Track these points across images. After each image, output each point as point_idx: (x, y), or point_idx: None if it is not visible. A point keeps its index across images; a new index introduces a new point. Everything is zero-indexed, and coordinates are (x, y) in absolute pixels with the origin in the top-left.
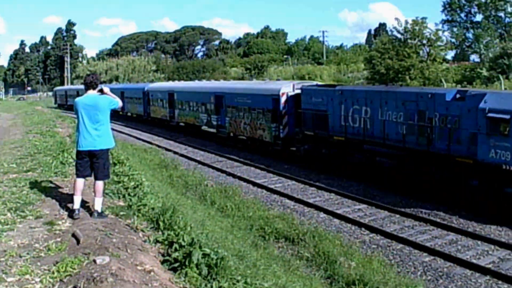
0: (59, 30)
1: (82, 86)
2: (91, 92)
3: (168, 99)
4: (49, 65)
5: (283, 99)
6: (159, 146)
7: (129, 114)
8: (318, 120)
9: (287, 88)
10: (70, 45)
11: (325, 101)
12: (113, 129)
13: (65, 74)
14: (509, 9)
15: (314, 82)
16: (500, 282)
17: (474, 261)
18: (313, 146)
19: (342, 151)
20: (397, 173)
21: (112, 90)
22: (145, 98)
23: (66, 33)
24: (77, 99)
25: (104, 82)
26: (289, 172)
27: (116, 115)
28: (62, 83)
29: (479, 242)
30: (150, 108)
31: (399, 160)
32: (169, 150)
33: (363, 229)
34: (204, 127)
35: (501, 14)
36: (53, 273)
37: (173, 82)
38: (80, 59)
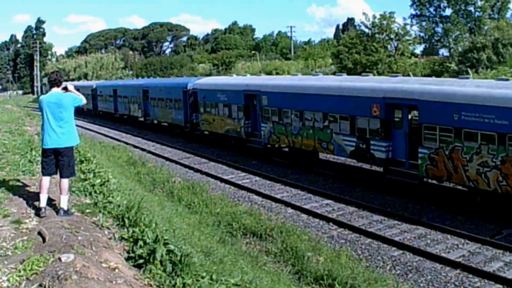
0: (28, 28)
1: (78, 82)
2: (55, 89)
3: (244, 104)
4: (19, 63)
5: None
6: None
7: (155, 121)
8: None
9: None
10: (40, 43)
11: None
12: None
13: (35, 72)
14: (479, 3)
15: None
16: (470, 275)
17: (444, 255)
18: None
19: None
20: None
21: (129, 86)
22: (189, 100)
23: (36, 31)
24: (41, 97)
25: (73, 79)
26: (256, 168)
27: (136, 124)
28: (32, 81)
29: (448, 236)
30: (201, 116)
31: None
32: None
33: (331, 224)
34: (338, 157)
35: (471, 8)
36: (19, 271)
37: (257, 76)
38: (49, 57)
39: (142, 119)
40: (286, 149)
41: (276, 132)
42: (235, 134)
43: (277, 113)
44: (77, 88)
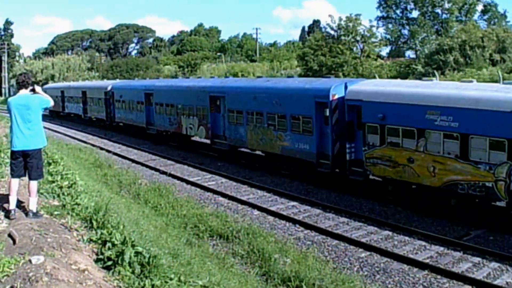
0: None
1: (85, 82)
2: (23, 91)
3: None
4: None
5: None
6: None
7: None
8: None
9: None
10: (8, 45)
11: None
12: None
13: (3, 74)
14: (446, 6)
15: None
16: (439, 276)
17: (411, 256)
18: None
19: None
20: None
21: (180, 90)
22: (331, 120)
23: (4, 32)
24: (10, 99)
25: (40, 81)
26: (222, 169)
27: (189, 147)
28: (0, 83)
29: (416, 237)
30: (371, 151)
31: None
32: None
33: (297, 225)
34: None
35: (438, 10)
36: None
37: None
38: (17, 58)
39: (206, 141)
40: None
41: None
42: (481, 193)
43: None
44: (84, 91)
